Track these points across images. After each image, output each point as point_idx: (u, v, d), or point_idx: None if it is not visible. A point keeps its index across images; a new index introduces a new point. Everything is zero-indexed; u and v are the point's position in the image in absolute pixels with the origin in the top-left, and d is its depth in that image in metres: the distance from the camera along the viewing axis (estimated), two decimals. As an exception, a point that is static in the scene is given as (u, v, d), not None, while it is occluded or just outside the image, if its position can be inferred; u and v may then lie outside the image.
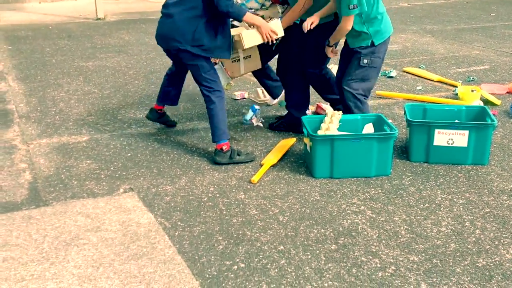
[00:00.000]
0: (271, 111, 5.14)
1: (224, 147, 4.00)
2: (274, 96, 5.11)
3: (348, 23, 3.95)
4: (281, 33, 4.10)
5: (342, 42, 4.34)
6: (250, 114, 4.61)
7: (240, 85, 5.72)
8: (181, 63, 4.19)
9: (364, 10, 3.93)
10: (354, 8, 3.85)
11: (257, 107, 4.64)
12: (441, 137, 3.91)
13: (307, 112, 4.65)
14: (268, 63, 4.88)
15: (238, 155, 4.02)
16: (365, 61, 4.10)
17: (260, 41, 4.08)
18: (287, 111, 4.67)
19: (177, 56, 4.04)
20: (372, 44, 4.07)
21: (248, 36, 4.04)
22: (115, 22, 10.07)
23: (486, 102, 5.20)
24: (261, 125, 4.64)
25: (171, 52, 4.10)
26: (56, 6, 11.77)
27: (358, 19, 3.99)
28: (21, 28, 9.36)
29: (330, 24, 4.16)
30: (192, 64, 4.00)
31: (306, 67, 4.43)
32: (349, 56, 4.22)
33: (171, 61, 4.45)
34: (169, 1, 4.00)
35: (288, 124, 4.63)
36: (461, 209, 3.35)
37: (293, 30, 4.36)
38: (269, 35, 4.02)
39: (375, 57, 4.10)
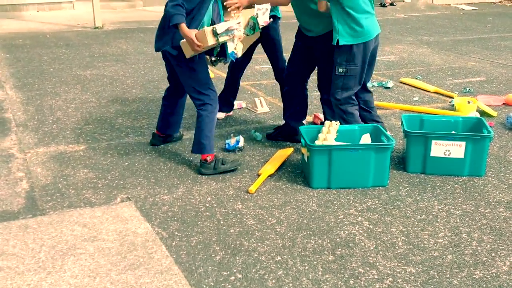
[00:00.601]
0: (268, 121, 5.15)
1: (208, 158, 3.98)
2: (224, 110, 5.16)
3: None
4: (206, 43, 3.69)
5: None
6: (233, 142, 4.49)
7: (238, 95, 5.73)
8: (174, 77, 4.15)
9: None
10: None
11: (241, 144, 4.48)
12: (438, 148, 3.93)
13: (303, 122, 4.66)
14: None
15: (223, 164, 4.00)
16: (340, 70, 4.03)
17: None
18: (284, 121, 4.68)
19: (168, 60, 3.99)
20: (337, 44, 3.97)
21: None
22: (113, 31, 10.09)
23: (483, 113, 5.23)
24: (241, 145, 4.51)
25: (164, 58, 4.02)
26: (54, 15, 11.79)
27: (336, 7, 3.92)
28: (19, 37, 9.37)
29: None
30: (181, 68, 3.92)
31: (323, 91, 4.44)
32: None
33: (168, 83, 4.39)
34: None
35: (286, 133, 4.64)
36: (458, 220, 3.36)
37: (297, 45, 4.44)
38: (192, 45, 3.69)
39: (351, 65, 4.02)
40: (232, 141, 4.46)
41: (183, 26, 3.66)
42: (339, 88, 4.10)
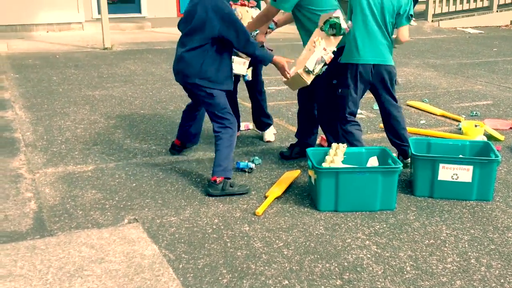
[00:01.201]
0: (274, 142, 5.16)
1: (218, 179, 4.00)
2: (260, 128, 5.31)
3: None
4: (306, 83, 4.15)
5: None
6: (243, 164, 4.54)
7: (245, 115, 5.76)
8: (196, 99, 4.35)
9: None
10: None
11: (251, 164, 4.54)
12: (446, 172, 3.93)
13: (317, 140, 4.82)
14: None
15: (231, 186, 4.02)
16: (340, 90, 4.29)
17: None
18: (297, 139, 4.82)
19: (192, 91, 4.22)
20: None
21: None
22: (122, 52, 10.19)
23: (490, 137, 5.22)
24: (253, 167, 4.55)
25: (187, 88, 4.27)
26: (64, 35, 11.93)
27: None
28: (29, 57, 9.48)
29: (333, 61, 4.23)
30: (204, 97, 4.13)
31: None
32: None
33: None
34: (181, 38, 4.18)
35: (300, 150, 4.74)
36: (466, 245, 3.35)
37: None
38: (284, 73, 4.17)
39: (344, 86, 4.26)
40: (245, 161, 4.54)
41: (276, 58, 4.12)
42: (338, 107, 4.30)
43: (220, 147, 4.06)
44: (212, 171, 4.06)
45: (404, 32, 4.29)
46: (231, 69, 4.24)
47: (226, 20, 3.95)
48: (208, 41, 4.00)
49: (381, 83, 4.30)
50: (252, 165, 4.49)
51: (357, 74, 4.22)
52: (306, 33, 4.34)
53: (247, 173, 4.42)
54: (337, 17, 4.02)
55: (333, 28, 4.05)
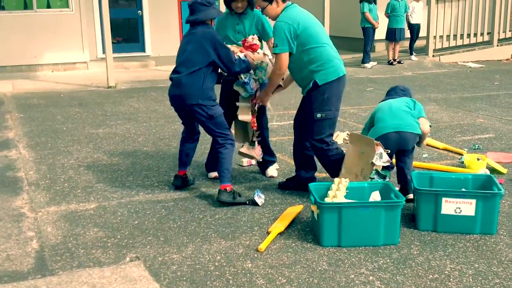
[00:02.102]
0: (277, 178, 5.16)
1: (228, 188, 4.43)
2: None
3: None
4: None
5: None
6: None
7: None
8: (191, 123, 4.69)
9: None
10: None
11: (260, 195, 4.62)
12: (449, 206, 3.91)
13: (315, 175, 4.81)
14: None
15: (240, 196, 4.49)
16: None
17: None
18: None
19: (191, 113, 4.52)
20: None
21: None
22: (125, 90, 10.30)
23: (493, 170, 5.21)
24: (262, 200, 4.59)
25: (184, 111, 4.55)
26: (69, 75, 12.08)
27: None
28: (34, 96, 9.59)
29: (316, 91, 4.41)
30: (206, 117, 4.48)
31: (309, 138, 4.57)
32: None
33: (183, 126, 4.82)
34: (176, 67, 4.53)
35: (296, 183, 4.79)
36: (471, 280, 3.31)
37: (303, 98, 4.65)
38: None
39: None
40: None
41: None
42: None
43: (226, 155, 4.49)
44: (220, 179, 4.47)
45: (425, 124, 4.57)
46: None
47: (218, 48, 4.41)
48: (203, 65, 4.42)
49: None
50: (257, 198, 4.53)
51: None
52: (295, 68, 4.52)
53: (260, 204, 4.49)
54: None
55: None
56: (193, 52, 4.44)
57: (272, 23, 4.64)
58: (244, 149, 4.93)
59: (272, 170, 5.27)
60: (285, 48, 4.34)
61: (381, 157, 4.27)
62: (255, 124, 4.89)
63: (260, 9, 4.61)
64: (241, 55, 4.60)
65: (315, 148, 4.55)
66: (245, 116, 4.78)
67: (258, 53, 4.73)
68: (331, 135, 4.54)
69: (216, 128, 4.53)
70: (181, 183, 4.86)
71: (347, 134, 5.45)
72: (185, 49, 4.50)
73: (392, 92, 4.91)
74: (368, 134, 4.57)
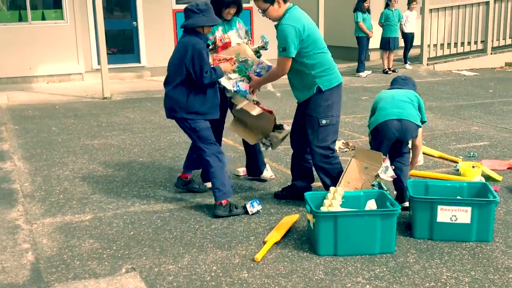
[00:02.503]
0: (272, 187, 5.16)
1: (223, 202, 4.43)
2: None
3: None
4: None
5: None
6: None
7: (243, 161, 5.77)
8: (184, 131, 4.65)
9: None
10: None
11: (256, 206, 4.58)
12: (444, 214, 3.92)
13: (311, 185, 4.79)
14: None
15: (236, 208, 4.47)
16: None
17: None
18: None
19: (178, 124, 4.58)
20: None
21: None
22: (121, 101, 10.30)
23: (488, 178, 5.23)
24: (253, 210, 4.55)
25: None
26: (64, 86, 12.07)
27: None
28: (29, 108, 9.58)
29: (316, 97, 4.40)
30: (191, 130, 4.50)
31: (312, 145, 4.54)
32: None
33: None
34: (165, 78, 4.58)
35: (292, 193, 4.78)
36: (467, 287, 3.31)
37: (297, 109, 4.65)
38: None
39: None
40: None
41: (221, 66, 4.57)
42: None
43: (215, 174, 4.44)
44: (214, 196, 4.46)
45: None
46: (217, 97, 4.56)
47: (194, 57, 4.33)
48: (184, 76, 4.39)
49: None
50: (254, 207, 4.52)
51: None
52: (294, 74, 4.49)
53: (250, 213, 4.48)
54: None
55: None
56: (174, 62, 4.45)
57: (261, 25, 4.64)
58: (243, 105, 4.79)
59: (267, 172, 5.32)
60: (292, 52, 4.26)
61: (387, 171, 4.26)
62: (267, 108, 4.84)
63: (260, 11, 4.46)
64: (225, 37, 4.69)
65: (318, 156, 4.47)
66: (244, 104, 4.73)
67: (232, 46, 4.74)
68: (335, 142, 4.54)
69: (200, 141, 4.50)
70: (180, 185, 4.98)
71: (342, 143, 5.51)
72: (170, 59, 4.53)
73: (394, 83, 4.93)
74: (370, 121, 4.58)
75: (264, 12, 4.41)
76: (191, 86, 4.41)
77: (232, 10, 4.85)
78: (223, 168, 4.50)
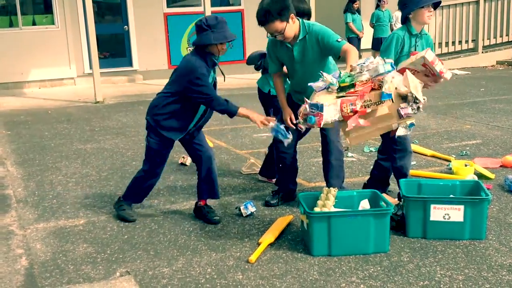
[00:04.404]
0: (267, 189, 5.16)
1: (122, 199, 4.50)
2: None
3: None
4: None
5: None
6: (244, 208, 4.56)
7: (237, 162, 5.79)
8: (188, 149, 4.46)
9: None
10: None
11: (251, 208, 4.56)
12: (437, 212, 3.93)
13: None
14: None
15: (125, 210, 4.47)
16: None
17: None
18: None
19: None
20: None
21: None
22: (113, 105, 10.29)
23: (480, 176, 5.25)
24: (247, 212, 4.54)
25: None
26: (56, 91, 12.05)
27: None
28: (21, 113, 9.54)
29: None
30: (148, 136, 4.32)
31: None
32: None
33: None
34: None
35: (285, 197, 4.77)
36: (461, 285, 3.32)
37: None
38: (262, 123, 4.13)
39: None
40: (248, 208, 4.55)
41: (242, 111, 4.14)
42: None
43: (134, 181, 4.49)
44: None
45: None
46: (185, 123, 4.22)
47: (194, 84, 4.03)
48: (173, 91, 4.16)
49: None
50: (249, 209, 4.51)
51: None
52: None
53: (243, 215, 4.47)
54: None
55: None
56: (174, 76, 4.21)
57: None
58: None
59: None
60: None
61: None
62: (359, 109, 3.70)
63: (278, 35, 4.15)
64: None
65: (337, 151, 4.58)
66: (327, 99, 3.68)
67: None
68: None
69: (145, 155, 4.36)
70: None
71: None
72: (174, 70, 4.26)
73: None
74: None
75: (282, 33, 4.11)
76: (170, 98, 4.16)
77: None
78: (142, 187, 4.47)
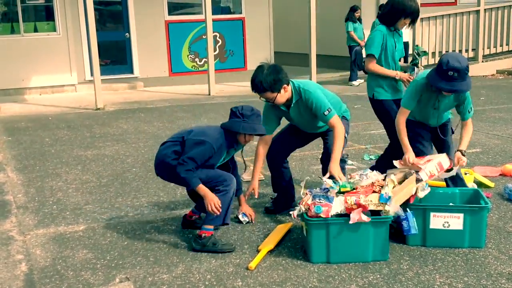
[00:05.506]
0: (266, 196, 5.17)
1: (204, 235, 3.99)
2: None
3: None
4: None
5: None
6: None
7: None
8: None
9: None
10: None
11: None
12: (437, 220, 3.94)
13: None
14: None
15: (214, 244, 3.98)
16: None
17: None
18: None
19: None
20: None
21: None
22: (114, 112, 10.30)
23: (480, 184, 5.26)
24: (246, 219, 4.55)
25: None
26: (57, 98, 12.06)
27: None
28: (21, 120, 9.56)
29: None
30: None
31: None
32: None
33: None
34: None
35: (283, 203, 4.76)
36: (461, 293, 3.33)
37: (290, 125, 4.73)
38: (214, 206, 3.93)
39: None
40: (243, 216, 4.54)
41: (201, 188, 3.95)
42: None
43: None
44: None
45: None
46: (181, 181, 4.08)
47: (196, 142, 3.99)
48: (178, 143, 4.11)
49: None
50: (245, 217, 4.52)
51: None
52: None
53: (244, 223, 4.47)
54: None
55: None
56: (195, 133, 4.12)
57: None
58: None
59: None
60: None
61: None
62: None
63: (269, 101, 4.32)
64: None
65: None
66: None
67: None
68: None
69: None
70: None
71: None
72: (199, 128, 4.28)
73: None
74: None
75: (273, 100, 4.28)
76: (172, 147, 4.12)
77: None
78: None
